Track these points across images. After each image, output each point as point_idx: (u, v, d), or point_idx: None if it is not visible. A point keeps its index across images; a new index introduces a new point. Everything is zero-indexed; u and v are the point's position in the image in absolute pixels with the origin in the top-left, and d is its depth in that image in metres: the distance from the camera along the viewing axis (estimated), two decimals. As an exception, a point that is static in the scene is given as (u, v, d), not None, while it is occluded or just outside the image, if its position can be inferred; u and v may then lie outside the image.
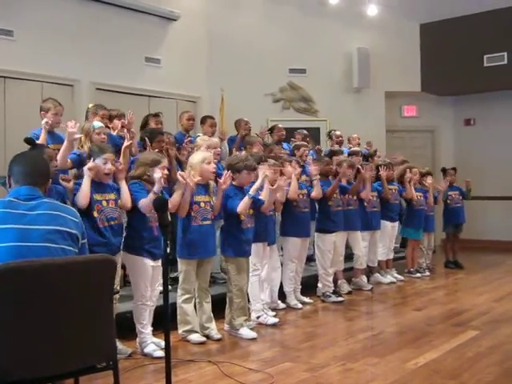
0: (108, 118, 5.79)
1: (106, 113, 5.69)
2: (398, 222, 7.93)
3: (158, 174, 4.35)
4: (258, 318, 5.39)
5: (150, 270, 4.46)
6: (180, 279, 4.83)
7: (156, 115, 6.36)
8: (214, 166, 4.89)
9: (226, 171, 4.98)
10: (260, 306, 5.46)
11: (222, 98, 9.20)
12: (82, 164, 4.65)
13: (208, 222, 4.83)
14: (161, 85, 8.83)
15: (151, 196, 4.26)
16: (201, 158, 4.82)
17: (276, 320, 5.43)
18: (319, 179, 6.22)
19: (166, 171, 4.54)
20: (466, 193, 8.83)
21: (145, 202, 4.32)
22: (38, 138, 4.72)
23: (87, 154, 4.46)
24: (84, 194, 4.11)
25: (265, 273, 5.62)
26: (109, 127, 5.74)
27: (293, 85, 10.50)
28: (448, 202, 8.72)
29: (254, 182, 5.19)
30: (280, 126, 7.75)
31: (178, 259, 4.85)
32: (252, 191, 4.97)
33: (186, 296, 4.78)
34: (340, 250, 6.71)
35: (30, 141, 4.16)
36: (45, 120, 4.92)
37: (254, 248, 5.35)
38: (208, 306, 4.92)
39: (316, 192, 6.22)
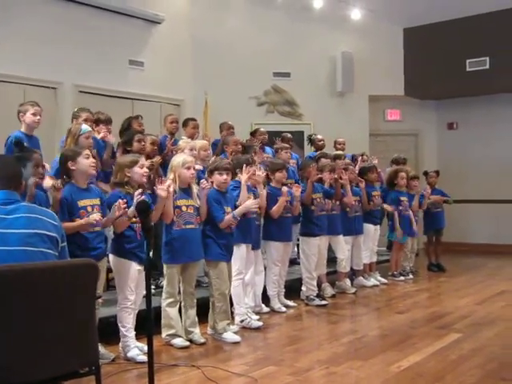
0: (95, 121, 5.76)
1: (90, 116, 5.67)
2: (379, 226, 7.96)
3: (138, 172, 4.45)
4: (241, 321, 5.38)
5: (135, 273, 4.44)
6: (164, 283, 4.83)
7: (137, 117, 6.37)
8: (193, 171, 4.86)
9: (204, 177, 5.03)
10: (244, 310, 5.44)
11: (205, 102, 9.20)
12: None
13: (191, 226, 4.81)
14: (145, 88, 8.81)
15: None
16: (181, 161, 4.81)
17: (260, 323, 5.43)
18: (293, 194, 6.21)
19: (146, 169, 4.57)
20: (449, 200, 8.91)
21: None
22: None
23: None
24: (68, 230, 3.85)
25: (249, 276, 5.62)
26: (94, 130, 5.73)
27: (277, 88, 10.52)
28: (428, 206, 8.74)
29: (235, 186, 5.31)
30: (262, 129, 7.73)
31: (163, 263, 4.84)
32: (237, 213, 5.06)
33: (170, 300, 4.76)
34: (323, 253, 6.72)
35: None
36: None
37: (238, 251, 5.35)
38: (193, 311, 4.90)
39: (296, 210, 6.26)
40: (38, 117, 5.12)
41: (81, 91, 8.08)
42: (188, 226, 4.78)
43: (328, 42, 10.72)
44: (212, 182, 5.08)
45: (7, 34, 7.31)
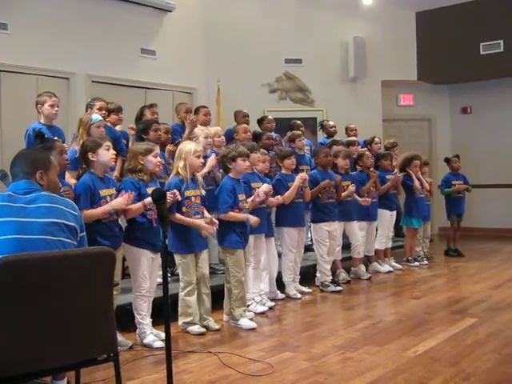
0: (106, 110, 5.78)
1: (104, 104, 5.69)
2: (396, 211, 7.93)
3: (151, 160, 4.48)
4: (247, 306, 5.40)
5: (149, 261, 4.48)
6: (180, 272, 4.83)
7: (151, 106, 6.38)
8: (203, 160, 4.90)
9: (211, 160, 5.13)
10: (250, 296, 5.47)
11: (218, 89, 9.19)
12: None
13: (199, 216, 4.81)
14: (157, 76, 8.81)
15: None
16: (192, 149, 4.79)
17: (265, 308, 5.47)
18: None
19: (159, 158, 4.59)
20: (468, 188, 8.86)
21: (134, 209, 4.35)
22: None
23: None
24: (92, 218, 4.08)
25: (263, 262, 5.63)
26: (106, 119, 5.74)
27: (289, 75, 10.48)
28: (450, 192, 8.70)
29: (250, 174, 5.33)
30: (270, 117, 7.69)
31: (174, 254, 4.85)
32: (252, 220, 5.13)
33: (189, 288, 4.75)
34: (337, 239, 6.70)
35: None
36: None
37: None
38: (207, 297, 4.93)
39: (307, 197, 6.24)
40: (56, 108, 5.14)
41: (93, 81, 8.09)
42: (198, 216, 4.79)
43: (340, 27, 10.65)
44: (227, 171, 5.11)
45: (20, 24, 7.33)
